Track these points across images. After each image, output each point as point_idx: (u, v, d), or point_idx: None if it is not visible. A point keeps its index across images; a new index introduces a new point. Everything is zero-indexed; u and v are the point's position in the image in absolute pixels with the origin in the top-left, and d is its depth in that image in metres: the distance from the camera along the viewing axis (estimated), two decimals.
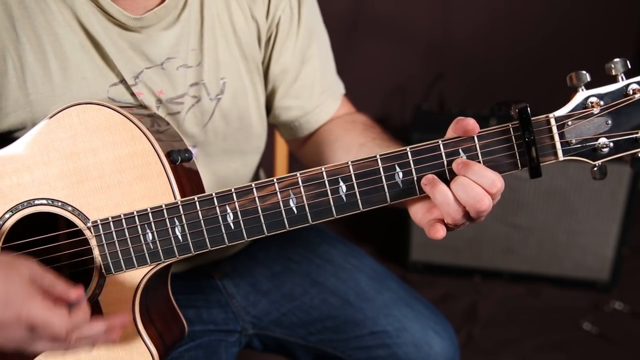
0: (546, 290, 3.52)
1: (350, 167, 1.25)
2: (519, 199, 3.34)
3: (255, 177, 1.90)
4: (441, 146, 1.22)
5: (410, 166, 1.24)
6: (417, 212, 1.32)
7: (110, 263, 1.36)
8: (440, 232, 1.26)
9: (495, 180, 1.20)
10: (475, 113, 3.40)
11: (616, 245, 3.35)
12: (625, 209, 3.27)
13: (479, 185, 1.20)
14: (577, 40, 4.05)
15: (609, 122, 1.17)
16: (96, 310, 1.39)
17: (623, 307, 3.36)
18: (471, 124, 1.20)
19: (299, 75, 1.74)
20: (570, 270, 3.48)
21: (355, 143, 1.64)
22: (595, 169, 1.21)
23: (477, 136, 1.21)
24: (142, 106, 1.53)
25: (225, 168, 1.74)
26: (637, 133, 1.17)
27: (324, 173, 1.26)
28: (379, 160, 1.24)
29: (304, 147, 1.87)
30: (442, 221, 1.27)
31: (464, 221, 1.25)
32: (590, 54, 3.96)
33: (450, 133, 1.25)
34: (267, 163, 1.99)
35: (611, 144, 1.18)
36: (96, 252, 1.36)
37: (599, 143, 1.18)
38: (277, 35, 1.69)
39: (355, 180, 1.25)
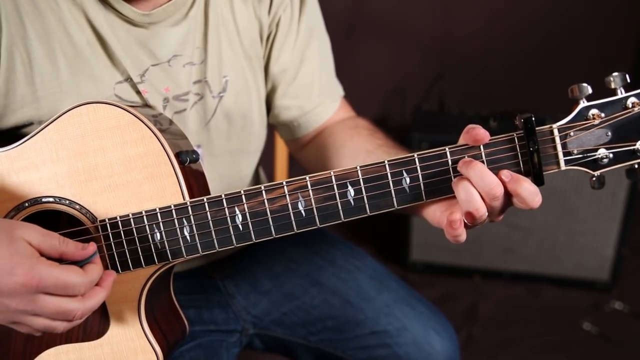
0: (546, 290, 3.53)
1: (359, 171, 1.26)
2: None
3: (256, 176, 1.91)
4: (448, 153, 1.24)
5: (417, 172, 1.25)
6: (436, 212, 1.32)
7: (118, 262, 1.36)
8: (462, 235, 1.26)
9: (497, 185, 1.20)
10: (475, 113, 3.42)
11: (616, 245, 3.37)
12: (625, 209, 3.28)
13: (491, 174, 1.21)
14: (577, 40, 4.05)
15: (609, 133, 1.19)
16: (101, 308, 1.39)
17: (623, 307, 3.38)
18: (481, 134, 1.21)
19: (298, 74, 1.75)
20: (570, 270, 3.49)
21: (362, 149, 1.65)
22: (594, 179, 1.23)
23: (482, 144, 1.23)
24: (147, 105, 1.54)
25: (229, 169, 1.75)
26: (634, 145, 1.19)
27: (333, 177, 1.27)
28: (387, 165, 1.26)
29: (305, 150, 1.88)
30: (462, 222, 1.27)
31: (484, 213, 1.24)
32: (590, 54, 3.97)
33: (461, 141, 1.26)
34: (267, 163, 2.00)
35: (611, 155, 1.21)
36: (104, 252, 1.36)
37: (599, 154, 1.20)
38: (276, 34, 1.70)
39: (364, 184, 1.27)
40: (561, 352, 3.12)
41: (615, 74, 1.18)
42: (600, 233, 3.36)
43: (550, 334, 3.24)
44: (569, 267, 3.49)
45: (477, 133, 1.22)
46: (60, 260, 1.23)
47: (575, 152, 1.21)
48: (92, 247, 1.25)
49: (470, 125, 1.24)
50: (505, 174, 1.21)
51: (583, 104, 1.20)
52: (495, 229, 3.42)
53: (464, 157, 1.24)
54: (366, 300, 1.81)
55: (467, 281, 3.62)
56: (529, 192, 1.21)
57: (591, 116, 1.19)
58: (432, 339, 1.78)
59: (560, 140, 1.21)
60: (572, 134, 1.20)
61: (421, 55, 4.18)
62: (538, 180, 1.22)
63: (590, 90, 1.19)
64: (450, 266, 3.63)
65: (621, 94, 1.19)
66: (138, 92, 1.53)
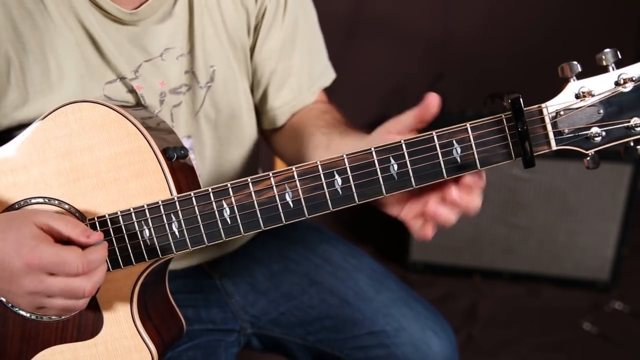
0: (546, 290, 3.53)
1: (345, 160, 1.25)
2: (519, 199, 3.35)
3: (253, 169, 1.90)
4: (435, 137, 1.22)
5: (404, 158, 1.24)
6: (396, 206, 1.36)
7: (108, 260, 1.35)
8: (429, 232, 1.32)
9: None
10: (475, 113, 3.42)
11: (616, 245, 3.36)
12: (625, 209, 3.27)
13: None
14: (577, 39, 4.04)
15: (601, 111, 1.18)
16: (94, 308, 1.39)
17: (623, 307, 3.37)
18: (432, 101, 1.25)
19: (280, 66, 1.76)
20: (570, 270, 3.48)
21: (306, 133, 1.67)
22: (588, 158, 1.21)
23: (470, 127, 1.21)
24: (139, 105, 1.54)
25: (220, 158, 1.76)
26: (628, 122, 1.18)
27: (320, 166, 1.26)
28: (373, 152, 1.24)
29: (272, 137, 1.89)
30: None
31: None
32: (591, 53, 3.95)
33: (409, 118, 1.29)
34: (267, 162, 1.99)
35: (603, 133, 1.19)
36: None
37: (591, 132, 1.19)
38: (261, 25, 1.71)
39: (351, 172, 1.25)
40: (561, 352, 3.12)
41: (606, 50, 1.17)
42: (600, 233, 3.36)
43: (550, 334, 3.23)
44: (569, 267, 3.48)
45: (431, 100, 1.25)
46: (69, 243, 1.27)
47: (566, 131, 1.19)
48: (95, 236, 1.27)
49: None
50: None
51: (573, 82, 1.18)
52: (495, 229, 3.42)
53: (452, 141, 1.22)
54: (364, 300, 1.81)
55: (467, 281, 3.61)
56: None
57: (582, 94, 1.18)
58: (430, 340, 1.76)
59: (550, 120, 1.19)
60: (562, 113, 1.18)
61: (421, 55, 4.18)
62: (529, 162, 1.21)
63: (580, 69, 1.17)
64: (450, 266, 3.63)
65: (613, 70, 1.18)
66: (132, 91, 1.54)
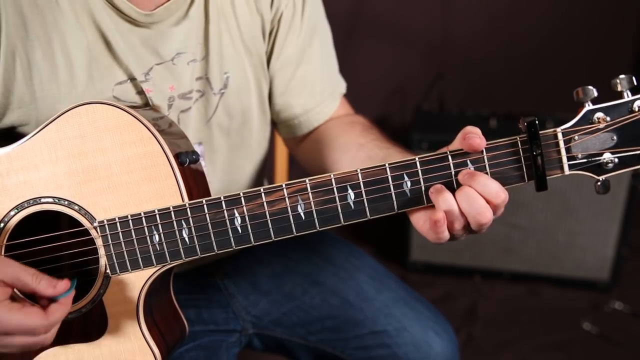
0: (546, 290, 3.53)
1: (359, 175, 1.25)
2: (519, 199, 3.35)
3: (260, 176, 1.90)
4: (449, 157, 1.23)
5: (418, 176, 1.24)
6: (420, 219, 1.31)
7: (116, 263, 1.36)
8: (445, 233, 1.25)
9: (499, 191, 1.20)
10: (475, 113, 3.42)
11: (616, 245, 3.36)
12: (625, 209, 3.27)
13: (482, 198, 1.21)
14: (577, 40, 4.05)
15: (614, 137, 1.18)
16: (99, 309, 1.39)
17: (623, 307, 3.38)
18: (477, 143, 1.20)
19: (299, 72, 1.75)
20: (570, 270, 3.49)
21: (354, 143, 1.64)
22: (599, 183, 1.22)
23: (485, 148, 1.22)
24: (148, 106, 1.53)
25: (231, 164, 1.75)
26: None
27: (333, 180, 1.26)
28: (387, 169, 1.25)
29: (301, 145, 1.87)
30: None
31: (463, 232, 1.26)
32: (590, 54, 3.97)
33: (456, 144, 1.25)
34: (267, 165, 1.99)
35: (616, 160, 1.19)
36: (102, 252, 1.36)
37: (604, 158, 1.19)
38: (278, 31, 1.69)
39: (364, 188, 1.26)
40: (561, 352, 3.12)
41: (622, 76, 1.17)
42: (600, 233, 3.36)
43: (550, 334, 3.24)
44: (569, 267, 3.49)
45: (474, 143, 1.21)
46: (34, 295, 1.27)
47: (579, 156, 1.20)
48: (62, 286, 1.26)
49: (466, 130, 1.23)
50: (462, 172, 1.23)
51: (588, 107, 1.18)
52: (495, 229, 3.39)
53: (466, 161, 1.23)
54: (366, 300, 1.81)
55: (467, 281, 3.62)
56: (488, 189, 1.21)
57: (596, 120, 1.18)
58: (431, 340, 1.77)
59: (565, 145, 1.20)
60: (576, 138, 1.19)
61: (421, 55, 4.18)
62: (541, 185, 1.21)
63: (595, 94, 1.17)
64: (450, 266, 3.63)
65: (627, 97, 1.18)
66: (141, 92, 1.52)
